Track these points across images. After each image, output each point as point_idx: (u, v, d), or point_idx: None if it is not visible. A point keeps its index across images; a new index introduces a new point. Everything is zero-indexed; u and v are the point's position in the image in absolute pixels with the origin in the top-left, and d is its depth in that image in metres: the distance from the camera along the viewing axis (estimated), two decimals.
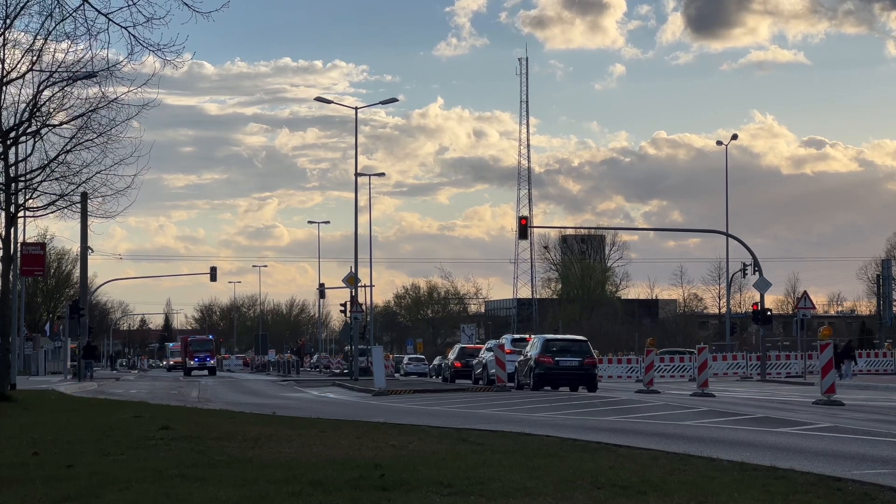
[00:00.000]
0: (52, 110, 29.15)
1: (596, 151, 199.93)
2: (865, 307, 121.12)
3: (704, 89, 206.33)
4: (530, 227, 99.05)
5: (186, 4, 21.39)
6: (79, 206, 33.60)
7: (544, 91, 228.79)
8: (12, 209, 29.71)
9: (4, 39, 27.86)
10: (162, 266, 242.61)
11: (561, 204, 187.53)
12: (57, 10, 25.65)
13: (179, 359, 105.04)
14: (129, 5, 22.11)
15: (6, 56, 28.08)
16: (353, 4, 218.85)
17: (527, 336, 47.81)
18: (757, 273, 53.50)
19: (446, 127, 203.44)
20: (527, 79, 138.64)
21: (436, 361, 75.12)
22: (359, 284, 59.66)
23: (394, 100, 64.20)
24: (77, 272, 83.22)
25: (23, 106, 28.76)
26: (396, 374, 73.78)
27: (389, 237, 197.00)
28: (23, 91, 28.76)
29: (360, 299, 64.73)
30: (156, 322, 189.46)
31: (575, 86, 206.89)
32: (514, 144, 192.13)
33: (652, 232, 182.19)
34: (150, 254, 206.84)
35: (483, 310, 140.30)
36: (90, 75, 27.58)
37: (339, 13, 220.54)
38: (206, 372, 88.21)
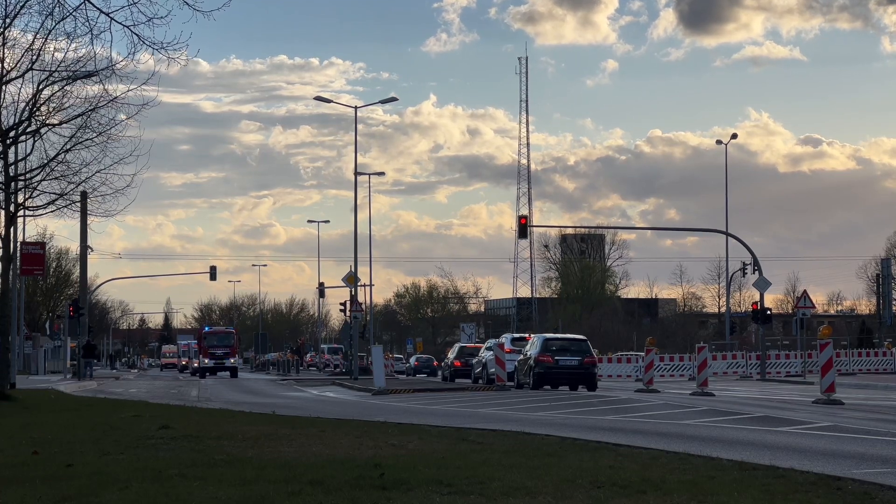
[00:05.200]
0: (51, 109, 29.17)
1: (591, 149, 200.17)
2: (865, 306, 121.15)
3: (698, 86, 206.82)
4: (530, 226, 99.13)
5: (187, 4, 21.44)
6: (78, 205, 33.58)
7: (536, 87, 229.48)
8: (12, 208, 29.71)
9: (4, 38, 27.86)
10: (159, 265, 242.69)
11: (557, 202, 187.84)
12: (57, 9, 25.67)
13: (196, 359, 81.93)
14: (130, 4, 22.14)
15: (6, 55, 28.10)
16: (350, 1, 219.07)
17: (526, 335, 47.78)
18: (756, 272, 53.46)
19: (440, 124, 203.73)
20: (526, 78, 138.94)
21: (413, 360, 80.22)
22: (358, 283, 59.62)
23: (393, 99, 64.40)
24: (76, 271, 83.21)
25: (22, 105, 28.80)
26: None
27: (386, 236, 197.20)
28: (22, 90, 28.80)
29: (360, 298, 64.70)
30: (155, 321, 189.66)
31: (567, 82, 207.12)
32: (508, 142, 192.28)
33: (650, 231, 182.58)
34: (147, 253, 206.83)
35: (483, 309, 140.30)
36: (90, 74, 27.59)
37: (336, 10, 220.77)
38: (227, 373, 73.43)
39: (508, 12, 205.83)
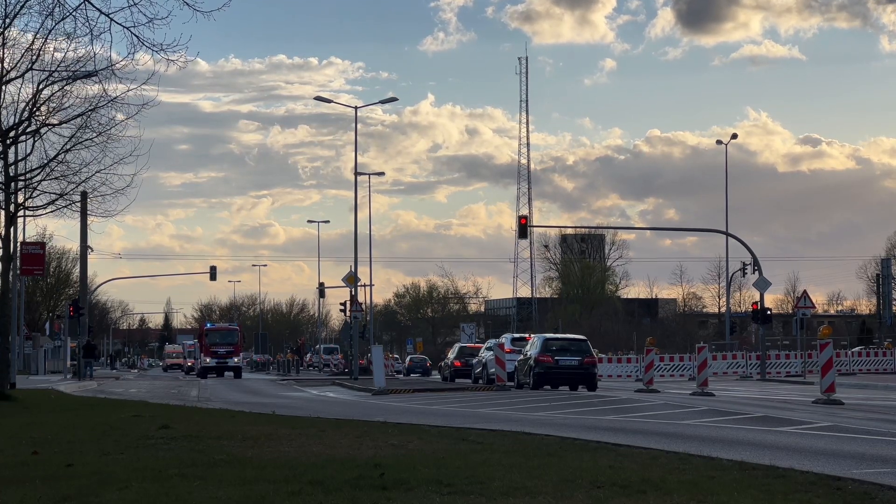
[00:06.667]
0: (51, 109, 29.17)
1: (590, 149, 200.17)
2: (865, 306, 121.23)
3: (697, 85, 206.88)
4: (530, 226, 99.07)
5: (187, 4, 21.41)
6: (78, 205, 33.58)
7: (534, 87, 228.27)
8: (12, 208, 29.71)
9: (4, 38, 27.87)
10: (158, 265, 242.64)
11: (556, 202, 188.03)
12: (57, 9, 25.67)
13: (201, 359, 74.75)
14: (130, 5, 22.12)
15: (6, 55, 28.11)
16: (349, 1, 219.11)
17: (526, 335, 47.79)
18: (756, 272, 53.45)
19: (439, 124, 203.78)
20: (527, 78, 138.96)
21: (407, 360, 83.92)
22: (358, 283, 59.62)
23: (393, 99, 64.65)
24: (76, 271, 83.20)
25: (22, 105, 28.81)
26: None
27: (386, 235, 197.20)
28: (22, 90, 28.80)
29: (360, 298, 64.68)
30: (155, 321, 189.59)
31: (565, 81, 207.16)
32: (507, 142, 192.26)
33: (649, 231, 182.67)
34: (146, 252, 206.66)
35: (483, 309, 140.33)
36: (90, 74, 27.59)
37: (334, 10, 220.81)
38: (231, 373, 69.86)
39: (506, 11, 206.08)
